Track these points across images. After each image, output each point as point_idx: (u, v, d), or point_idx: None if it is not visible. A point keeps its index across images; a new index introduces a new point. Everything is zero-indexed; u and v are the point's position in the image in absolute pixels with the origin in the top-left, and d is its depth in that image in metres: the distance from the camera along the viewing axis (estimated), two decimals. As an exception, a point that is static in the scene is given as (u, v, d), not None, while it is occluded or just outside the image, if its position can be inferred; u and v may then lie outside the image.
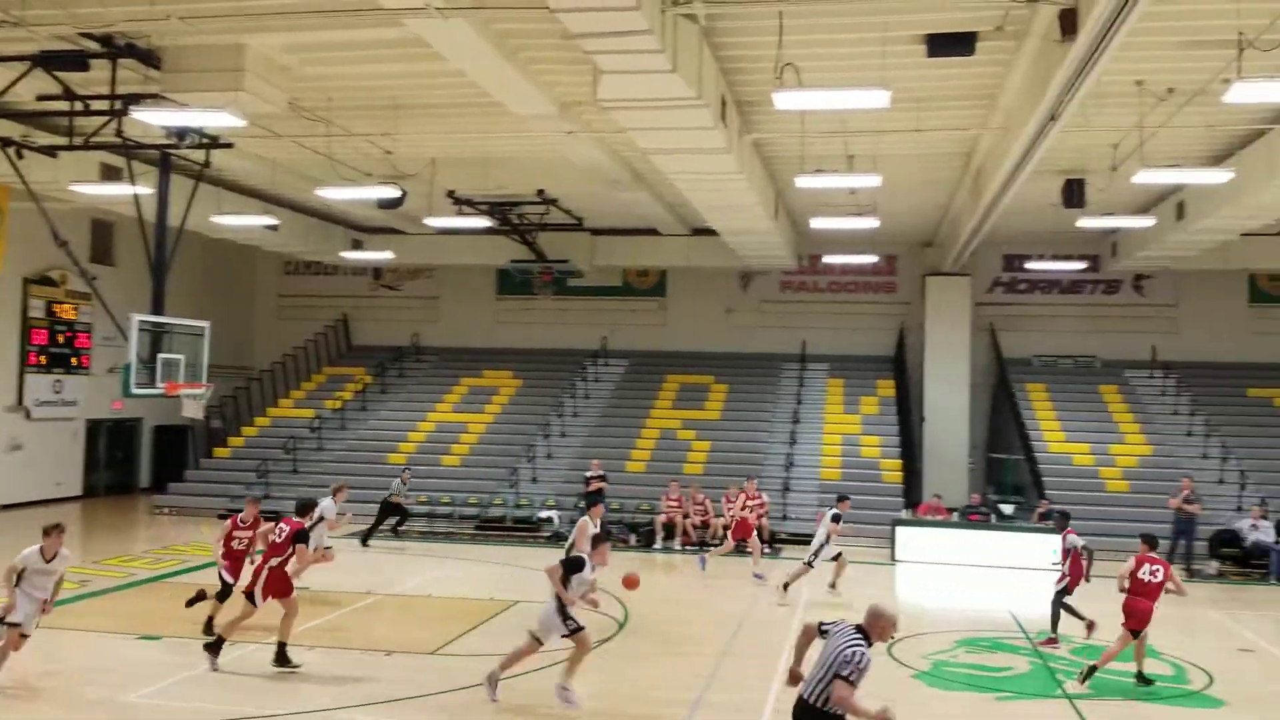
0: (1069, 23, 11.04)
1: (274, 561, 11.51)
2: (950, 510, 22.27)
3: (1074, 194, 18.94)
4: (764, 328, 30.28)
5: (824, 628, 7.23)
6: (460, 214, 23.13)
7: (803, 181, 17.64)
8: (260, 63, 14.34)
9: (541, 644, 10.49)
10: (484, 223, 24.02)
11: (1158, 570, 11.75)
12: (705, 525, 22.05)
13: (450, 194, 22.40)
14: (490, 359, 30.76)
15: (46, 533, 10.58)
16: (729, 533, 19.60)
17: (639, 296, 31.35)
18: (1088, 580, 13.81)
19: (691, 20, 12.51)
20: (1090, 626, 13.49)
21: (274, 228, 25.20)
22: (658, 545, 21.95)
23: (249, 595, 11.60)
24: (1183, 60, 13.58)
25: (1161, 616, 12.78)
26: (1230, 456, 23.63)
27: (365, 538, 20.85)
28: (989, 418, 28.71)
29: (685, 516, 22.14)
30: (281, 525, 11.90)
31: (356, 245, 29.18)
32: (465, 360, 30.84)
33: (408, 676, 11.29)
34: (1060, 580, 14.01)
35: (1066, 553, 13.89)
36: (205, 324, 17.95)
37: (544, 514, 23.15)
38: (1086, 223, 21.17)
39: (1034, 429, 25.61)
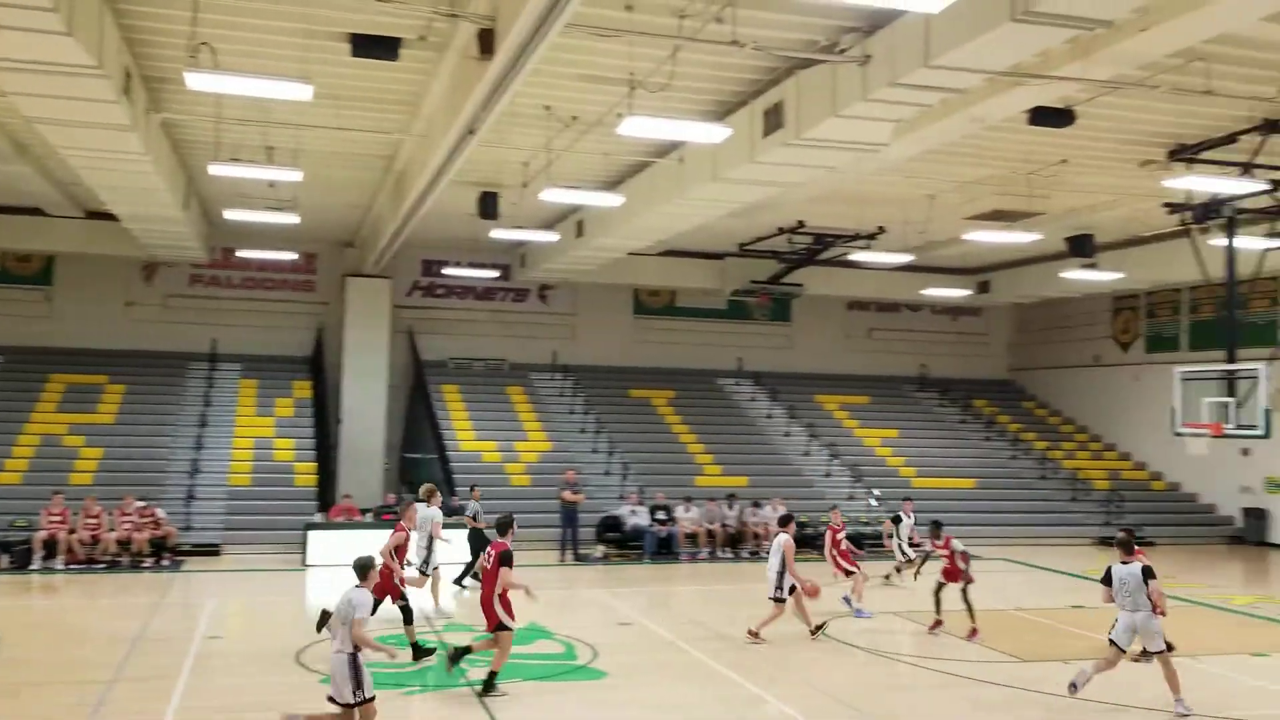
0: (487, 43, 11.60)
1: (499, 589, 11.23)
2: (363, 511, 22.34)
3: (488, 206, 20.02)
4: (170, 324, 28.06)
5: None
6: None
7: (217, 169, 16.68)
8: None
9: None
10: None
11: None
12: (96, 541, 19.90)
13: None
14: None
15: (369, 570, 9.19)
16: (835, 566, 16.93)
17: (18, 284, 27.43)
18: (970, 580, 14.70)
19: (91, -22, 11.26)
20: (936, 624, 14.77)
21: None
22: (35, 565, 19.38)
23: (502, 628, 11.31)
24: (585, 92, 14.93)
25: (552, 599, 13.95)
26: (615, 450, 26.42)
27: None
28: (405, 418, 29.32)
29: (71, 532, 19.78)
30: (489, 550, 11.48)
31: None
32: None
33: None
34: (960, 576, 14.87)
35: (954, 554, 14.77)
36: None
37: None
38: (499, 234, 22.48)
39: (447, 428, 26.60)
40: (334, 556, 20.38)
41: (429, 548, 15.69)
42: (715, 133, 13.83)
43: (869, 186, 20.06)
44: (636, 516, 23.05)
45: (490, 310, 30.65)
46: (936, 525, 15.50)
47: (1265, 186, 16.25)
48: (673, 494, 23.69)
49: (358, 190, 22.42)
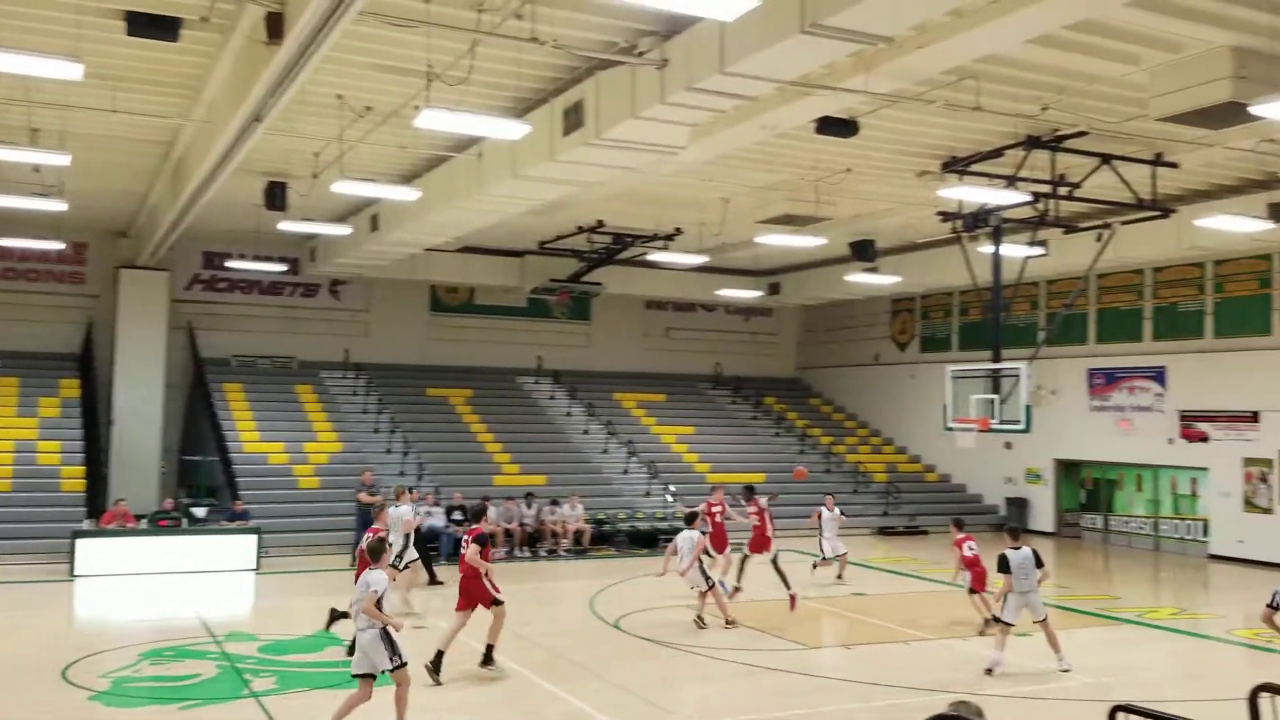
0: (276, 27, 11.13)
1: (483, 570, 12.18)
2: (139, 517, 21.08)
3: (276, 197, 19.20)
4: (-84, 316, 25.73)
5: None
6: None
7: (-29, 150, 15.35)
8: None
9: None
10: None
11: (971, 544, 15.16)
12: None
13: None
14: None
15: (381, 552, 10.36)
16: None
17: None
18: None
19: None
20: (735, 590, 16.46)
21: None
22: None
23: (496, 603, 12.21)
24: (380, 82, 14.54)
25: (344, 604, 13.52)
26: (411, 450, 25.89)
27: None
28: (184, 418, 27.81)
29: None
30: (467, 538, 12.31)
31: None
32: None
33: None
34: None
35: (764, 515, 16.41)
36: None
37: None
38: (287, 226, 21.62)
39: (230, 429, 25.39)
40: (106, 566, 19.23)
41: (404, 545, 16.40)
42: (514, 129, 13.73)
43: (667, 188, 20.41)
44: (433, 518, 22.64)
45: (278, 306, 29.46)
46: (749, 489, 16.19)
47: (1027, 198, 17.47)
48: (470, 494, 23.39)
49: (133, 177, 21.09)
